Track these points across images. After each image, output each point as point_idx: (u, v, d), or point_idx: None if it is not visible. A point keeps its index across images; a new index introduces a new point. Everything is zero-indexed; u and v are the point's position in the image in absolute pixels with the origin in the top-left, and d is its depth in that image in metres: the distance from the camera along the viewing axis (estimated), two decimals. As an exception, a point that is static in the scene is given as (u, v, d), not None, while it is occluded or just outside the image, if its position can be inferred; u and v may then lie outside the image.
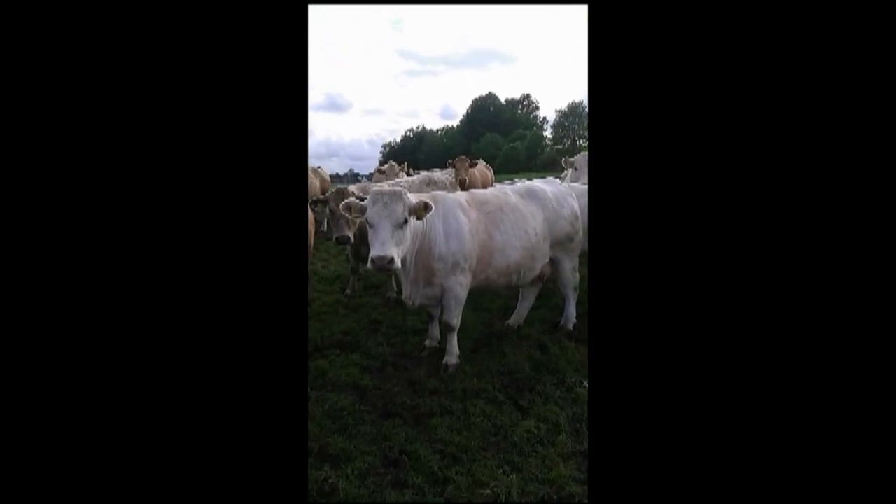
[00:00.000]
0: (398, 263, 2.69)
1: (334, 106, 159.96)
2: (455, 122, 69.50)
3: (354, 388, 3.02)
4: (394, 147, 71.21)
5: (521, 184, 3.99)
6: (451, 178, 5.90)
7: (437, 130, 71.18)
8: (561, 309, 4.02)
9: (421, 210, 2.80)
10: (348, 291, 5.03)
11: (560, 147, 47.24)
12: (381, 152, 73.04)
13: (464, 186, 6.39)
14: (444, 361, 3.27)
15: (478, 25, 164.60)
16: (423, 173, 6.18)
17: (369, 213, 2.71)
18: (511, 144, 49.16)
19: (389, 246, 2.65)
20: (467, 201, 3.31)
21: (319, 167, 10.04)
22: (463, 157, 8.07)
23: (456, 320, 3.24)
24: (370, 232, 2.74)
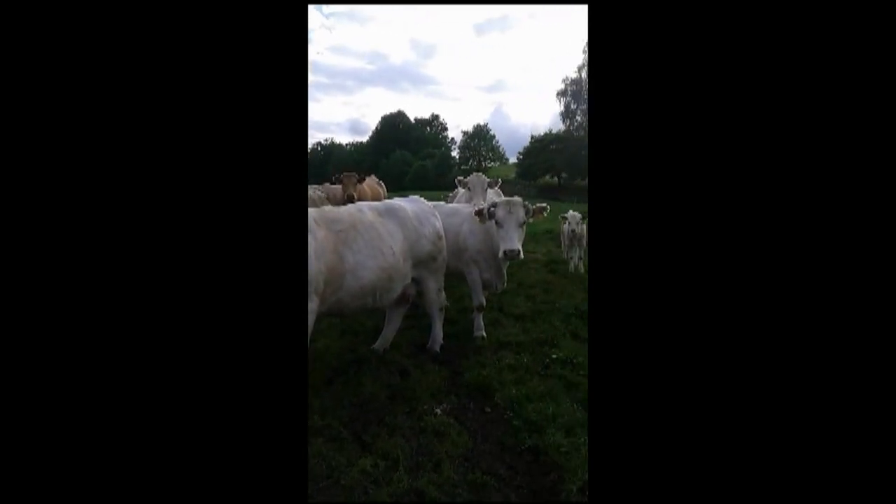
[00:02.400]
0: None
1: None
2: (364, 138, 68.94)
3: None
4: (301, 161, 68.36)
5: (381, 202, 3.83)
6: (322, 193, 5.58)
7: (347, 145, 70.02)
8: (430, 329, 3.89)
9: None
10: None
11: (466, 167, 48.79)
12: (287, 166, 69.67)
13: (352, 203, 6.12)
14: (289, 396, 2.94)
15: (388, 43, 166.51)
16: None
17: None
18: (421, 163, 49.72)
19: None
20: (315, 220, 3.06)
21: None
22: (351, 172, 7.80)
23: (302, 349, 2.94)
24: None
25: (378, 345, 3.75)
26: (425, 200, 3.93)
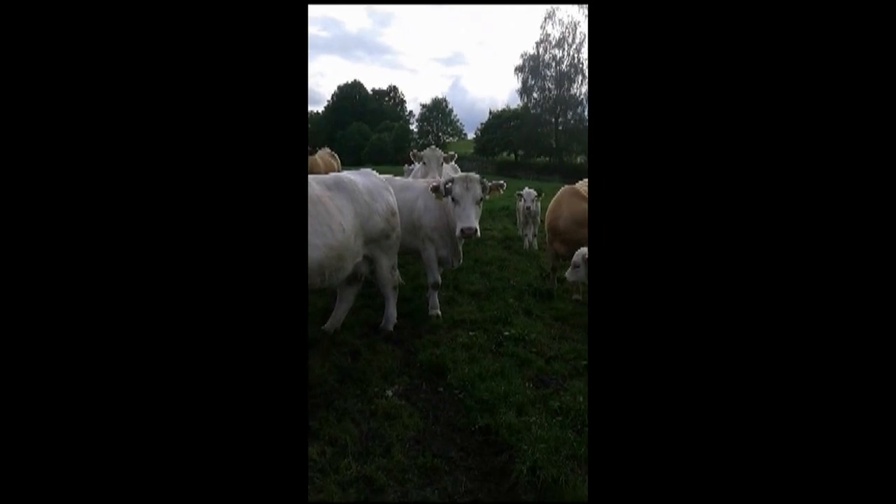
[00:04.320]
0: None
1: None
2: (319, 108, 66.25)
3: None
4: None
5: (330, 175, 3.63)
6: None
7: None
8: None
9: None
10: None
11: (424, 141, 48.07)
12: (236, 135, 66.21)
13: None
14: (230, 381, 2.77)
15: (343, 10, 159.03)
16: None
17: None
18: (378, 135, 48.48)
19: None
20: (258, 193, 2.84)
21: None
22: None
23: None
24: None
25: (328, 325, 3.61)
26: (377, 174, 3.76)
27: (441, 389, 2.91)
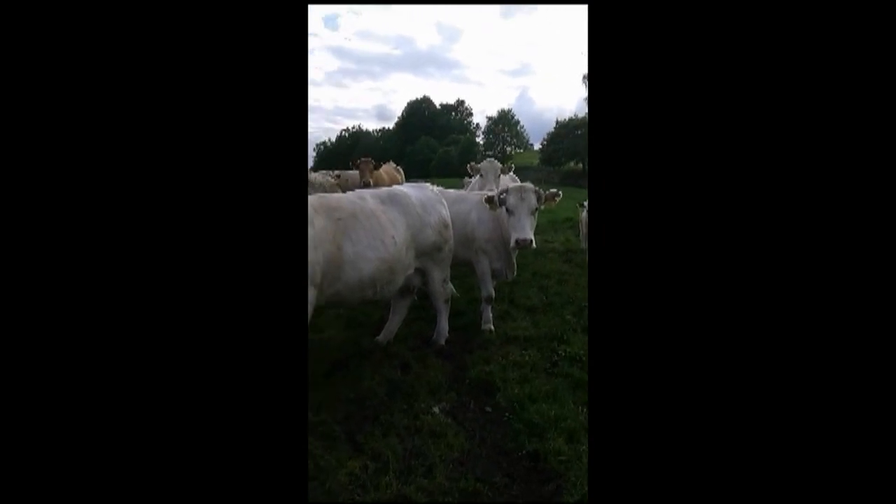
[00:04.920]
0: None
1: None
2: (391, 124, 68.79)
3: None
4: (328, 147, 69.05)
5: (384, 188, 3.69)
6: (333, 179, 5.48)
7: (374, 131, 70.06)
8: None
9: None
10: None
11: (490, 153, 48.15)
12: (314, 150, 70.55)
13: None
14: (285, 389, 2.87)
15: (415, 27, 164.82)
16: (301, 175, 5.72)
17: None
18: (445, 149, 49.28)
19: None
20: (314, 207, 2.94)
21: None
22: (367, 158, 7.70)
23: (298, 342, 2.85)
24: None
25: (381, 337, 3.64)
26: (432, 186, 3.77)
27: (489, 409, 2.81)
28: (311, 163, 48.55)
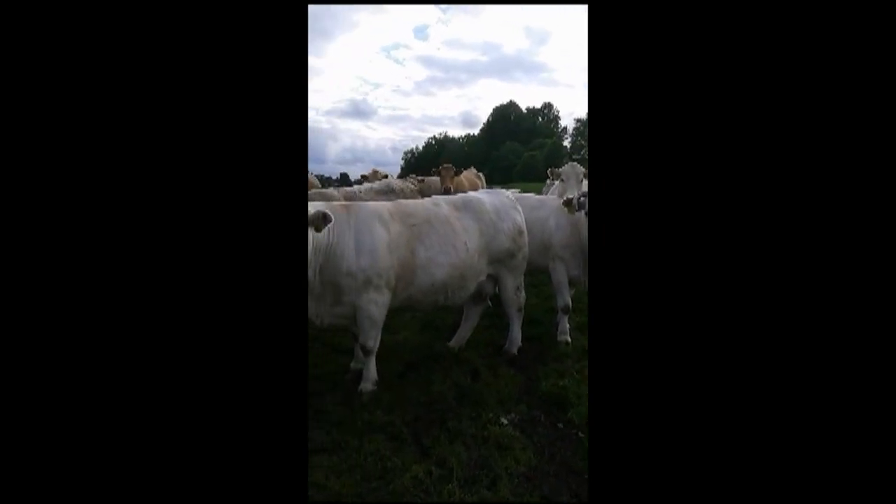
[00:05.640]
0: None
1: (358, 112, 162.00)
2: (476, 130, 69.37)
3: (252, 415, 2.76)
4: (415, 154, 71.44)
5: (459, 195, 3.69)
6: (413, 185, 5.61)
7: (460, 138, 71.18)
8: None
9: (319, 221, 2.55)
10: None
11: (577, 157, 46.47)
12: (402, 159, 73.40)
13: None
14: (359, 388, 2.98)
15: (502, 33, 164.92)
16: (384, 181, 5.92)
17: None
18: (530, 153, 48.57)
19: None
20: (390, 213, 3.04)
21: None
22: (448, 164, 7.81)
23: (372, 342, 2.95)
24: None
25: (453, 342, 3.65)
26: (508, 192, 3.71)
27: (560, 425, 2.68)
28: (397, 170, 50.54)
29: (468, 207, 3.30)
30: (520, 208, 3.55)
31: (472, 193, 3.64)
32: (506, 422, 2.68)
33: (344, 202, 3.09)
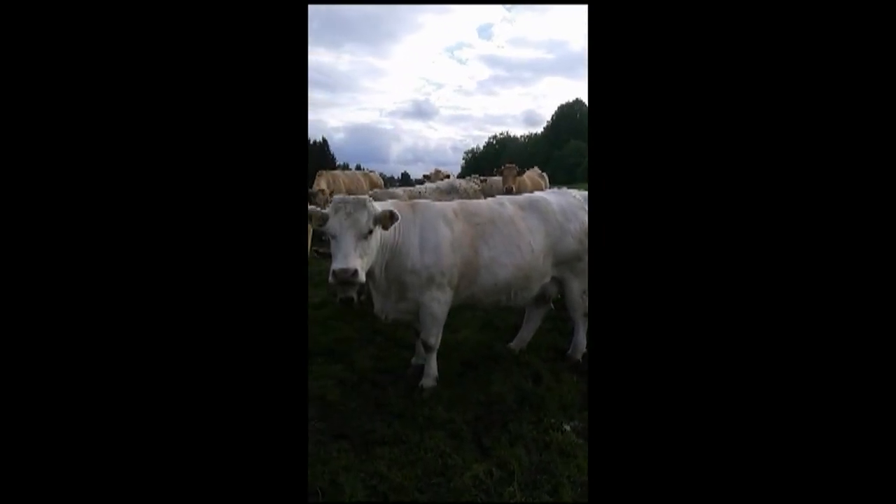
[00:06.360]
0: (362, 277, 2.51)
1: (420, 113, 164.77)
2: (539, 129, 68.21)
3: (320, 402, 2.89)
4: (475, 154, 71.46)
5: (524, 195, 3.63)
6: (477, 185, 5.60)
7: (521, 137, 70.37)
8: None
9: (386, 219, 2.61)
10: (362, 297, 4.95)
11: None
12: (463, 158, 73.69)
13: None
14: (420, 383, 3.03)
15: (568, 29, 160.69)
16: (447, 180, 5.95)
17: (331, 223, 2.57)
18: (595, 152, 46.94)
19: (352, 258, 2.48)
20: (454, 212, 3.05)
21: (371, 171, 10.39)
22: (512, 164, 7.74)
23: (434, 339, 2.99)
24: (332, 243, 2.60)
25: (514, 344, 3.61)
26: (575, 192, 3.60)
27: (627, 436, 2.56)
28: (458, 169, 50.77)
29: (534, 207, 3.24)
30: (587, 209, 3.43)
31: (538, 193, 3.57)
32: (568, 428, 2.61)
33: (410, 201, 3.14)
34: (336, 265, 2.47)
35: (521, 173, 7.61)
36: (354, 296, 3.79)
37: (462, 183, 5.59)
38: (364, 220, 2.53)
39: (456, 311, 3.33)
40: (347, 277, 2.44)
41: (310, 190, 5.83)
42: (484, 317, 4.38)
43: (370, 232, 2.56)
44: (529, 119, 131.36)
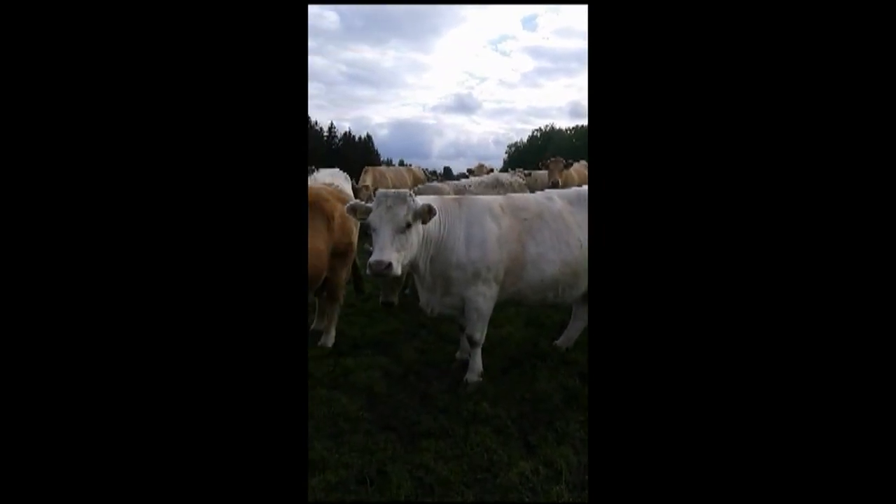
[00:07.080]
0: (397, 270, 2.54)
1: (463, 107, 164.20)
2: (586, 121, 66.35)
3: (367, 393, 2.96)
4: (519, 147, 70.55)
5: (573, 189, 3.53)
6: (522, 180, 5.52)
7: (567, 130, 68.66)
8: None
9: (425, 214, 2.62)
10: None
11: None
12: (505, 152, 73.00)
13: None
14: (464, 378, 3.04)
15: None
16: (492, 175, 5.89)
17: (372, 216, 2.61)
18: (645, 144, 45.05)
19: (388, 251, 2.52)
20: (501, 206, 3.02)
21: (412, 165, 10.49)
22: (558, 157, 7.58)
23: (479, 334, 2.98)
24: (373, 236, 2.65)
25: (561, 341, 3.54)
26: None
27: (681, 440, 2.46)
28: (500, 163, 50.30)
29: (583, 202, 3.16)
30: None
31: (587, 187, 3.47)
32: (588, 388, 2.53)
33: (456, 196, 3.14)
34: (372, 257, 2.52)
35: (568, 166, 7.44)
36: (395, 299, 3.86)
37: (507, 177, 5.53)
38: (402, 214, 2.56)
39: (499, 307, 3.31)
40: (381, 270, 2.48)
41: (354, 185, 5.95)
42: (528, 313, 4.33)
43: (408, 226, 2.58)
44: (575, 111, 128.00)
